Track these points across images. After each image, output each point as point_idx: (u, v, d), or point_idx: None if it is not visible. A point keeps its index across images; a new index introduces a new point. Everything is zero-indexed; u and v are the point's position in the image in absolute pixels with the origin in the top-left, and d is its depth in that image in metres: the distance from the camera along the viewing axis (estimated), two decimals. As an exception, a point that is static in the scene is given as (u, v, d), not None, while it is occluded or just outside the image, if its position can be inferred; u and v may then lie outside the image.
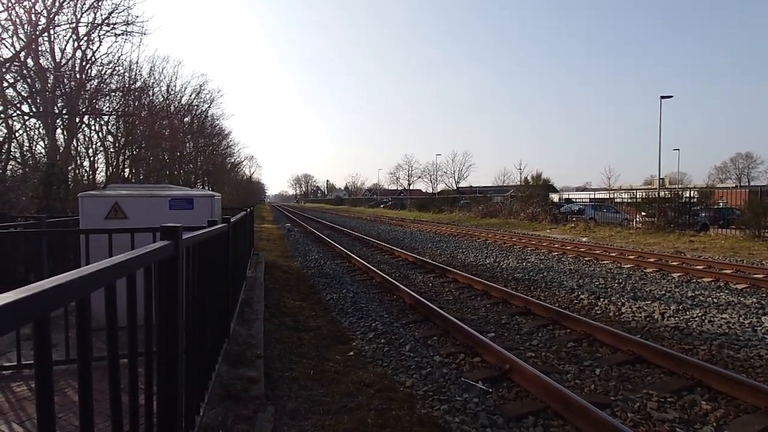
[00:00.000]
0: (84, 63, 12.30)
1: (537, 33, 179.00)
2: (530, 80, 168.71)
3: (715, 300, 7.08)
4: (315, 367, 4.18)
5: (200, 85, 24.77)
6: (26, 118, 11.03)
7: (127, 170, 15.95)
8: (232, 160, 42.84)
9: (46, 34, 10.88)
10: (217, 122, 30.63)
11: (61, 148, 11.76)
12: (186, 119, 24.06)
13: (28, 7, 10.20)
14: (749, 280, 8.22)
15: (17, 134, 10.99)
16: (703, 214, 19.92)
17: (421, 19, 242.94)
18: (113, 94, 13.84)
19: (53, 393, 0.87)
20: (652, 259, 11.15)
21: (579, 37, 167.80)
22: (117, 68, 13.48)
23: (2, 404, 2.87)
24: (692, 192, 21.56)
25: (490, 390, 3.85)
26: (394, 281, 7.91)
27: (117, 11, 11.49)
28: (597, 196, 28.60)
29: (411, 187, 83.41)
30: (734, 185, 58.39)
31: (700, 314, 6.23)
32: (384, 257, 12.27)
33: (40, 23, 10.50)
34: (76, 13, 11.14)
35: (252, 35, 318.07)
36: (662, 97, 26.60)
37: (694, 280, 8.72)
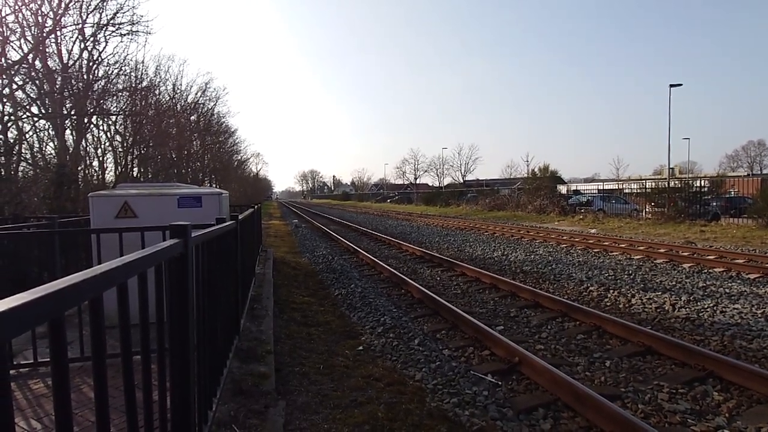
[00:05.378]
0: (91, 64, 12.39)
1: (543, 24, 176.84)
2: (536, 71, 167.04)
3: (727, 290, 7.00)
4: (325, 361, 4.21)
5: (206, 83, 24.90)
6: (36, 119, 11.15)
7: (135, 169, 16.09)
8: (239, 158, 42.98)
9: (53, 35, 10.98)
10: (223, 120, 30.79)
11: (71, 149, 11.89)
12: (192, 117, 24.20)
13: (34, 9, 10.28)
14: (762, 270, 8.11)
15: (27, 136, 11.12)
16: (714, 204, 19.66)
17: (425, 13, 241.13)
18: (120, 94, 13.96)
19: (69, 390, 0.89)
20: (662, 250, 11.05)
21: (585, 27, 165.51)
22: (123, 68, 13.58)
23: (20, 401, 2.94)
24: (703, 181, 21.27)
25: (500, 383, 3.86)
26: (402, 276, 7.92)
27: (122, 11, 11.56)
28: (605, 187, 28.29)
29: (417, 182, 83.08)
30: (746, 173, 57.39)
31: (711, 305, 6.17)
32: (392, 252, 12.28)
33: (46, 25, 10.58)
34: (82, 14, 11.21)
35: (255, 29, 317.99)
36: (671, 86, 26.20)
37: (706, 270, 8.62)
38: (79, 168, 12.17)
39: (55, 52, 11.54)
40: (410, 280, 7.48)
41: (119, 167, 14.95)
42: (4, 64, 9.25)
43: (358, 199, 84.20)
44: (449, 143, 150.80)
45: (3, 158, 9.46)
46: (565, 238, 13.83)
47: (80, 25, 11.32)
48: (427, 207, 42.83)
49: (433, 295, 6.44)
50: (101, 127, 14.09)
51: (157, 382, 1.65)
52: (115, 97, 13.67)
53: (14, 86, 9.96)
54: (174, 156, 20.03)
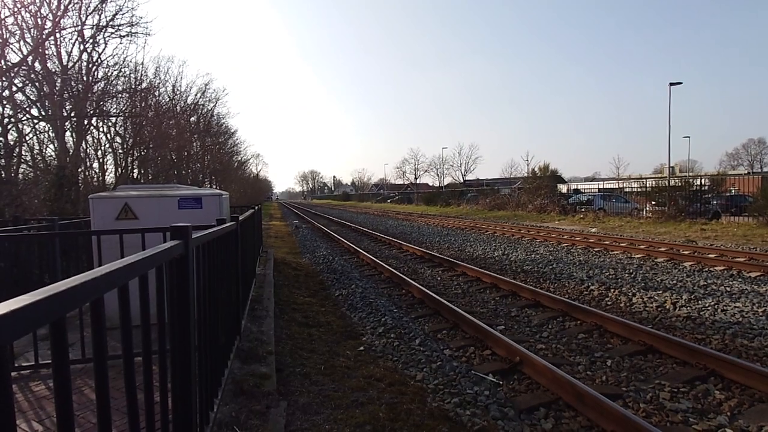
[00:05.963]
0: (90, 65, 12.41)
1: (543, 23, 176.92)
2: (536, 71, 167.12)
3: (728, 289, 6.99)
4: (326, 362, 4.21)
5: (205, 84, 24.90)
6: (36, 121, 11.17)
7: (135, 171, 16.09)
8: (239, 159, 42.94)
9: (52, 37, 10.98)
10: (223, 121, 30.80)
11: (71, 151, 11.90)
12: (192, 119, 24.21)
13: (33, 11, 10.30)
14: (763, 268, 8.11)
15: (28, 138, 11.14)
16: (715, 202, 19.66)
17: (425, 13, 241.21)
18: (120, 95, 13.97)
19: (71, 392, 0.89)
20: (663, 249, 11.04)
21: (585, 26, 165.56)
22: (123, 70, 13.61)
23: (22, 403, 2.94)
24: (703, 180, 21.25)
25: (501, 382, 3.86)
26: (402, 276, 7.92)
27: (121, 13, 11.58)
28: (606, 185, 28.29)
29: (418, 182, 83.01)
30: (746, 172, 57.46)
31: (712, 303, 6.16)
32: (392, 252, 12.28)
33: (46, 27, 10.59)
34: (81, 16, 11.23)
35: (253, 30, 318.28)
36: (671, 84, 26.20)
37: (706, 269, 8.62)
38: (80, 170, 12.17)
39: (55, 54, 11.56)
40: (411, 280, 7.48)
41: (119, 169, 14.96)
42: (4, 66, 9.26)
43: (358, 199, 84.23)
44: (449, 143, 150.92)
45: (3, 160, 9.46)
46: (565, 237, 13.82)
47: (79, 27, 11.34)
48: (427, 207, 42.81)
49: (434, 295, 6.44)
50: (101, 129, 14.11)
51: (159, 383, 1.65)
52: (114, 99, 13.70)
53: (14, 88, 9.97)
54: (174, 157, 20.04)
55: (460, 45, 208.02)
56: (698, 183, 20.37)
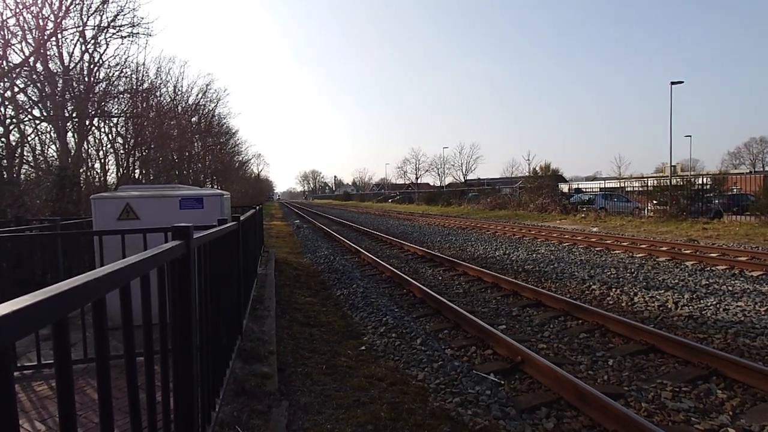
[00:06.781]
0: (92, 66, 12.44)
1: (544, 21, 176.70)
2: (537, 70, 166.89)
3: (730, 288, 6.98)
4: (327, 362, 4.21)
5: (206, 85, 24.98)
6: (37, 122, 11.20)
7: (137, 171, 16.12)
8: (240, 159, 42.98)
9: (54, 38, 11.01)
10: (224, 121, 30.84)
11: (73, 151, 11.93)
12: (193, 119, 24.24)
13: (35, 12, 10.32)
14: (765, 267, 8.09)
15: (29, 138, 11.17)
16: (717, 201, 19.59)
17: (426, 14, 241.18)
18: (121, 96, 14.00)
19: (73, 391, 0.89)
20: (664, 248, 11.02)
21: (586, 25, 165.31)
22: (124, 70, 13.65)
23: (24, 403, 2.95)
24: (705, 179, 21.19)
25: (503, 382, 3.86)
26: (403, 275, 7.92)
27: (122, 13, 11.62)
28: (607, 185, 28.23)
29: (419, 181, 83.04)
30: (748, 171, 57.33)
31: (714, 302, 6.15)
32: (393, 252, 12.28)
33: (47, 28, 10.62)
34: (83, 17, 11.26)
35: (257, 29, 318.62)
36: (672, 83, 26.18)
37: (708, 268, 8.60)
38: (81, 170, 12.20)
39: (56, 54, 11.60)
40: (412, 280, 7.48)
41: (121, 169, 14.99)
42: (6, 67, 9.28)
43: (359, 199, 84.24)
44: (450, 142, 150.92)
45: (5, 161, 9.49)
46: (566, 236, 13.81)
47: (81, 28, 11.37)
48: (428, 206, 42.78)
49: (435, 294, 6.43)
50: (103, 130, 14.15)
51: (161, 383, 1.65)
52: (116, 99, 13.73)
53: (16, 89, 10.00)
54: (175, 157, 20.06)
55: (460, 45, 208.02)
56: (700, 182, 20.31)
